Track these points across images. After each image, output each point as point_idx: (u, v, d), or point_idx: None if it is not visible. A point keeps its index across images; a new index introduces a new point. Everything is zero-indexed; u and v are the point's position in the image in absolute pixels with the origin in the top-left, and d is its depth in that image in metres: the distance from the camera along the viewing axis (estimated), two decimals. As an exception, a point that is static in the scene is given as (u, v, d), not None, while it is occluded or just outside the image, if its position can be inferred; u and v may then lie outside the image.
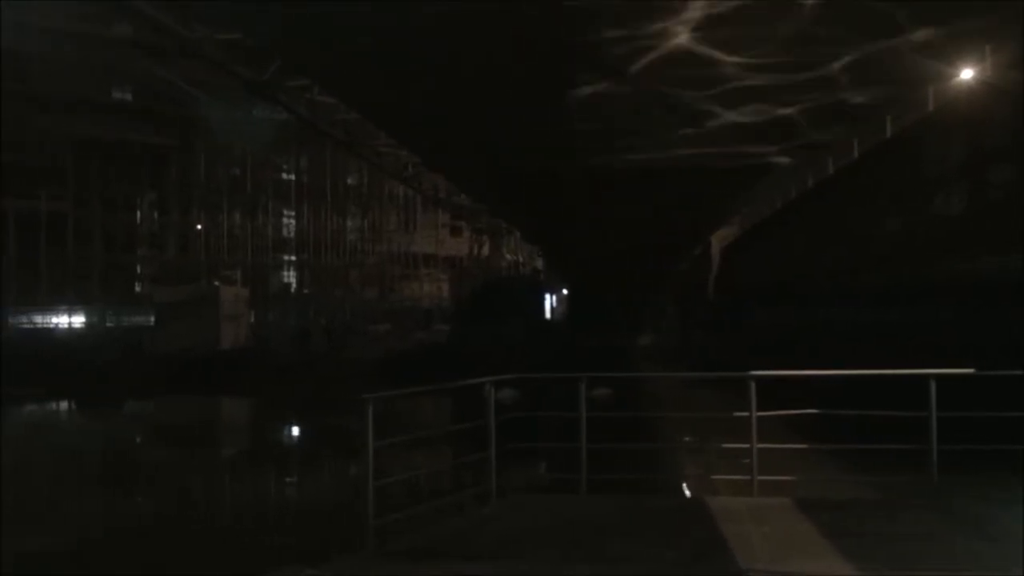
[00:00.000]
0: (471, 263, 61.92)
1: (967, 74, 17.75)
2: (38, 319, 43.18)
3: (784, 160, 21.91)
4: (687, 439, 16.11)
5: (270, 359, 35.58)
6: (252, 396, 30.06)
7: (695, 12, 12.73)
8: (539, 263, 63.19)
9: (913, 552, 5.41)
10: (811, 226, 29.08)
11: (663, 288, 40.00)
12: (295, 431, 25.94)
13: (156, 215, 49.91)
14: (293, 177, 55.35)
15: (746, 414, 7.06)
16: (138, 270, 50.58)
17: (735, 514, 6.64)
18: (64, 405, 30.92)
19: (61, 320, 44.11)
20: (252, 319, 45.14)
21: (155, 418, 28.53)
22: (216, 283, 45.39)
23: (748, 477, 7.12)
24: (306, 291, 55.89)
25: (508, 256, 63.32)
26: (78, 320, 44.45)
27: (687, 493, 11.03)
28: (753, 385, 7.03)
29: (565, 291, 49.32)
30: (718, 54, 14.29)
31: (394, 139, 35.44)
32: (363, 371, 31.66)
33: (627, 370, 21.82)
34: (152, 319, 40.18)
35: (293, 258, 56.24)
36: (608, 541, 5.94)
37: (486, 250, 62.48)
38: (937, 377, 6.67)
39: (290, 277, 57.41)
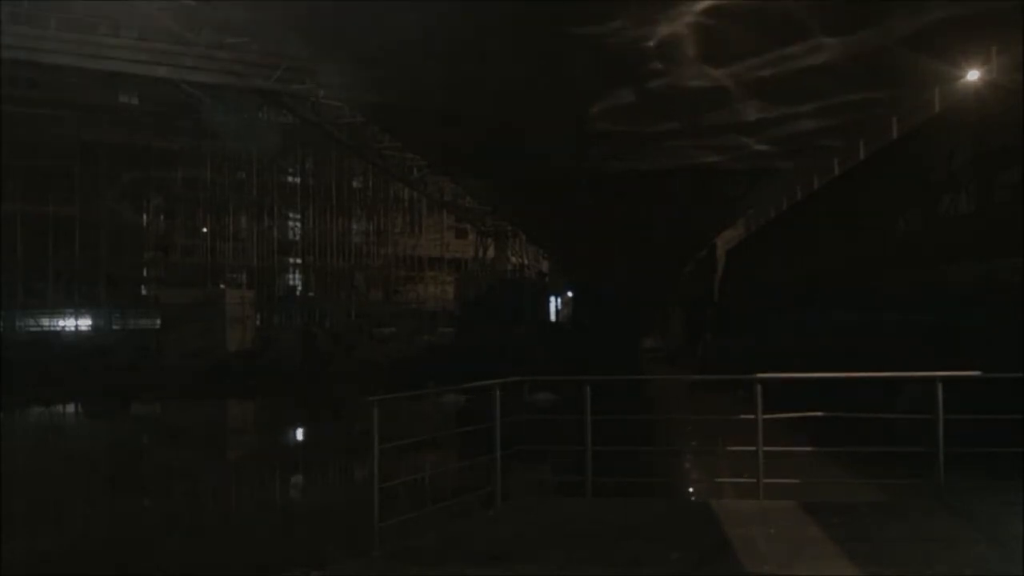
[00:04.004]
0: (476, 266, 61.87)
1: (973, 75, 17.70)
2: (45, 322, 43.28)
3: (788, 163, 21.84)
4: (693, 443, 16.07)
5: (279, 362, 35.60)
6: (269, 398, 30.06)
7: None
8: (544, 266, 63.12)
9: (919, 555, 5.39)
10: (816, 227, 29.00)
11: (669, 290, 39.94)
12: (306, 433, 25.95)
13: (162, 218, 49.89)
14: (299, 180, 55.34)
15: (751, 416, 7.05)
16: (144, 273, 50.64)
17: (741, 517, 6.63)
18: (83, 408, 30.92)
19: (67, 323, 44.21)
20: (258, 321, 45.10)
21: (179, 421, 28.53)
22: (222, 286, 45.37)
23: (754, 480, 7.11)
24: (311, 294, 55.90)
25: (513, 259, 63.26)
26: (84, 323, 44.55)
27: (692, 496, 10.99)
28: (759, 388, 7.02)
29: (570, 294, 49.25)
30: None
31: (400, 142, 35.47)
32: (370, 373, 31.64)
33: (632, 373, 21.77)
34: (158, 322, 40.20)
35: (298, 261, 56.23)
36: (613, 544, 5.94)
37: (491, 253, 62.45)
38: (943, 380, 6.66)
39: (295, 280, 57.38)
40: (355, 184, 58.22)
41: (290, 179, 55.85)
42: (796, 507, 6.86)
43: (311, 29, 13.55)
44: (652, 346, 41.76)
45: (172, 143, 47.67)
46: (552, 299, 54.78)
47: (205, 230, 48.43)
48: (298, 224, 56.26)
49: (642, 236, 28.81)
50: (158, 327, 40.34)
